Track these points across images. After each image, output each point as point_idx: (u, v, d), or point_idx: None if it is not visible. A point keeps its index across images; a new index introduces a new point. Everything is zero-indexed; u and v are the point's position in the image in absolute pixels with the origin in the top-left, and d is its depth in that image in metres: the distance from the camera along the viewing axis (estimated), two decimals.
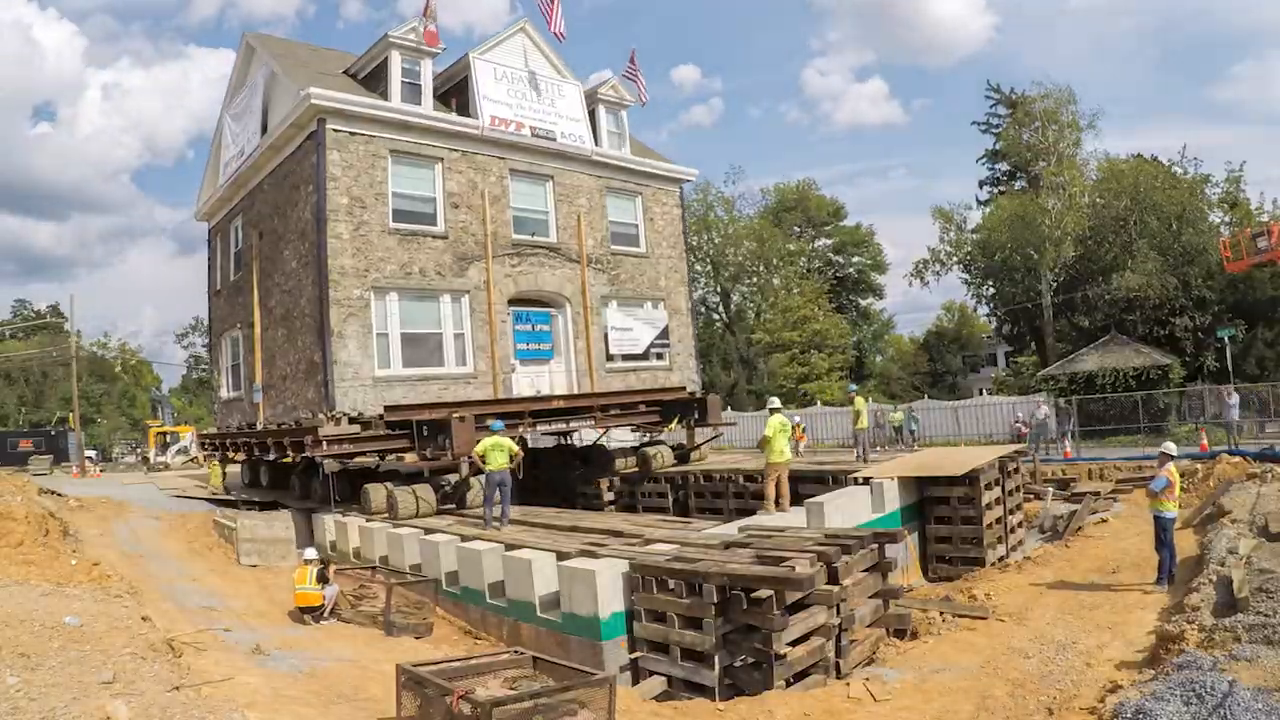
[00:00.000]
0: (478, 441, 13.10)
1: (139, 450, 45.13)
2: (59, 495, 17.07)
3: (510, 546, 10.93)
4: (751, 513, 14.02)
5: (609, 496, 19.04)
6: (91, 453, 44.70)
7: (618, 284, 19.92)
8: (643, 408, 19.17)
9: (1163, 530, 10.92)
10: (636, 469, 18.64)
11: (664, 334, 20.71)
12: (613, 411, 18.45)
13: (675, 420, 19.56)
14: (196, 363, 70.82)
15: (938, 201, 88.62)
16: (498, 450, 12.53)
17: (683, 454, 19.71)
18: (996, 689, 7.30)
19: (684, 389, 20.52)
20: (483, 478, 13.04)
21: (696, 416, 19.50)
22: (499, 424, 13.25)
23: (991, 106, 41.50)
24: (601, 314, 19.39)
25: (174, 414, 44.68)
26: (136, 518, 16.56)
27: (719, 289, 51.34)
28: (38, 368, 56.41)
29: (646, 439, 21.04)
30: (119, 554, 13.54)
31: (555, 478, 19.97)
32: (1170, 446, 11.55)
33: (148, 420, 47.26)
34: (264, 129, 17.64)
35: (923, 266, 43.13)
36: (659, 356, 20.69)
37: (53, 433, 45.36)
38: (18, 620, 7.21)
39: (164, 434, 37.73)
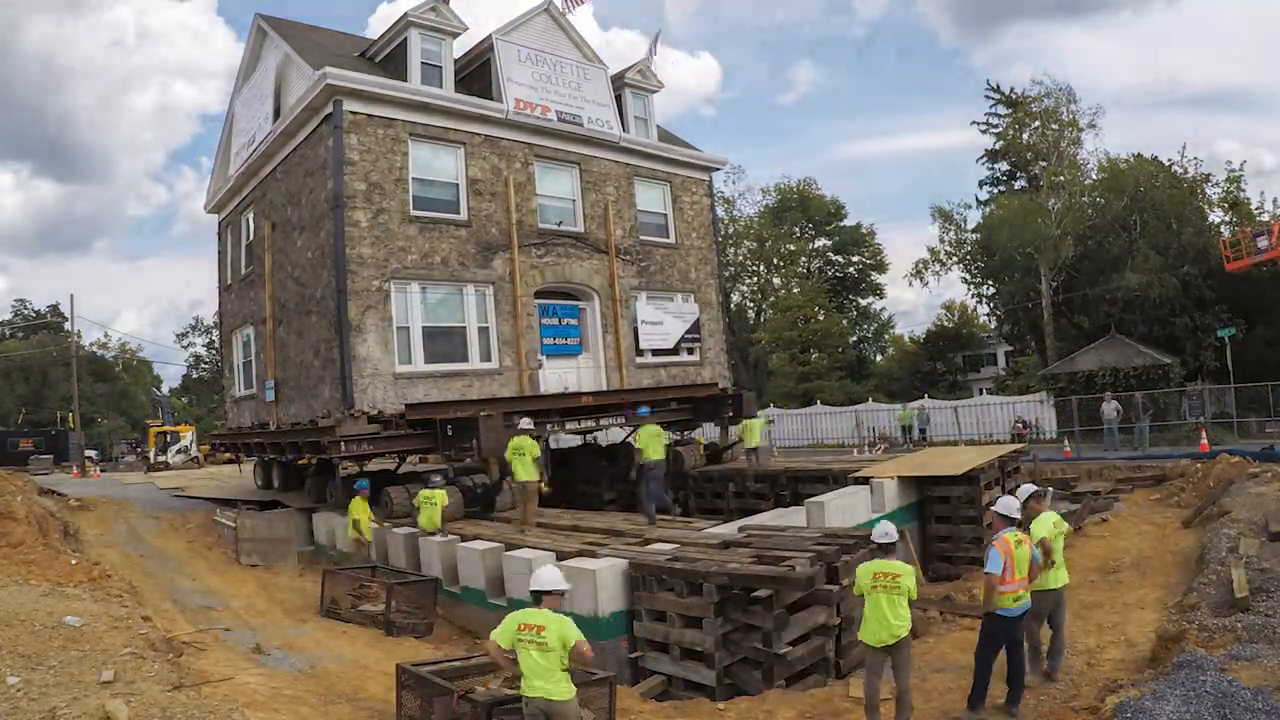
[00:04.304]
0: (505, 442, 13.47)
1: (139, 450, 45.11)
2: (59, 495, 17.06)
3: (510, 546, 10.93)
4: (751, 512, 14.04)
5: (609, 496, 19.02)
6: (92, 452, 44.73)
7: (647, 275, 19.48)
8: (674, 405, 18.75)
9: (991, 634, 6.96)
10: (667, 469, 18.31)
11: (695, 328, 20.28)
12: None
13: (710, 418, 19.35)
14: (197, 362, 70.78)
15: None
16: (655, 439, 13.71)
17: (715, 453, 19.42)
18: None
19: (716, 385, 20.16)
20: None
21: (730, 414, 19.11)
22: (645, 409, 14.45)
23: (991, 106, 41.48)
24: (631, 306, 18.88)
25: (173, 414, 44.64)
26: (136, 517, 16.55)
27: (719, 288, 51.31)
28: (38, 368, 56.38)
29: (678, 437, 20.88)
30: (119, 554, 13.54)
31: (584, 477, 19.68)
32: (1007, 502, 7.23)
33: (148, 420, 47.25)
34: (276, 114, 17.22)
35: (923, 266, 43.17)
36: (690, 351, 20.31)
37: (53, 433, 45.38)
38: (18, 620, 7.21)
39: (164, 434, 37.70)
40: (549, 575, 6.03)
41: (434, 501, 12.74)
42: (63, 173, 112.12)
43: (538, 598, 5.89)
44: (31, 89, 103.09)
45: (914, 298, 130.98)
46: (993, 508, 7.42)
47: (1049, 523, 7.66)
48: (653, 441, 13.90)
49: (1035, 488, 8.12)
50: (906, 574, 6.73)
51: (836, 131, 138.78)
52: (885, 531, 7.03)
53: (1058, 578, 7.68)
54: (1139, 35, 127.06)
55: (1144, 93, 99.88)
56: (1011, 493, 8.68)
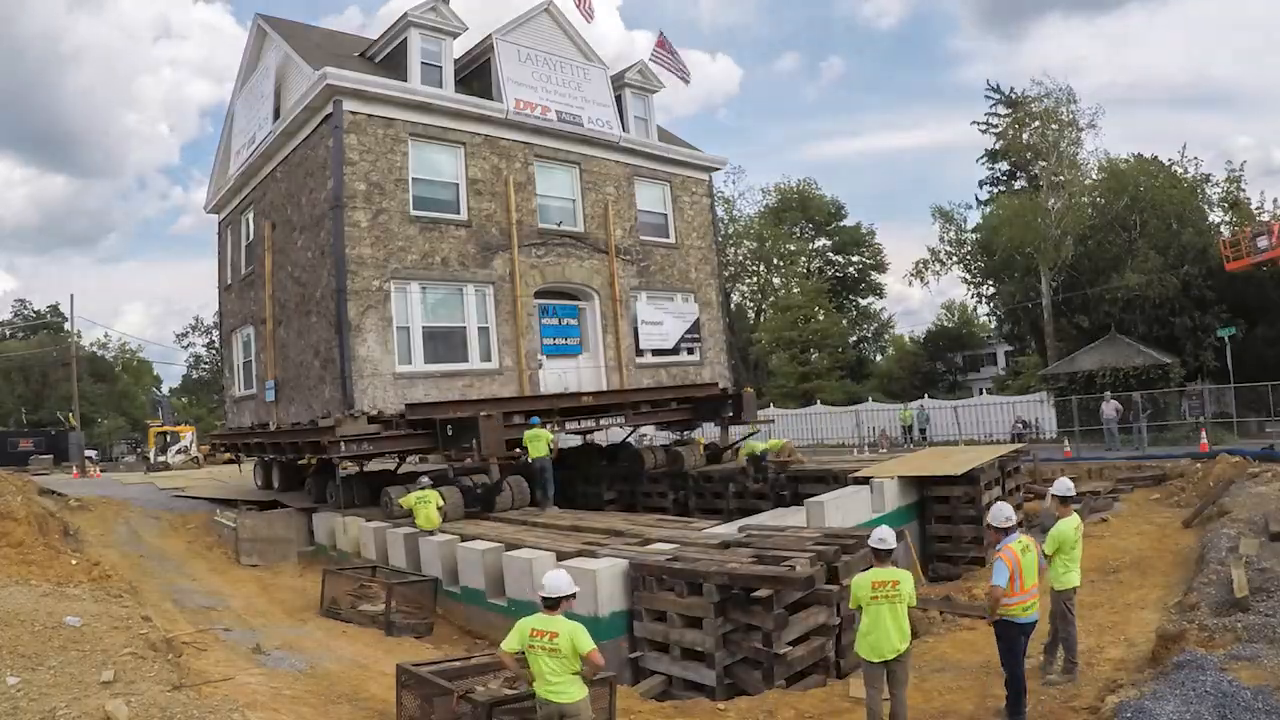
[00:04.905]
0: (505, 442, 14.12)
1: (139, 450, 45.10)
2: (59, 495, 17.07)
3: (510, 546, 10.93)
4: (751, 512, 14.06)
5: (609, 496, 19.04)
6: (92, 453, 44.73)
7: (647, 275, 19.44)
8: (674, 405, 18.78)
9: (1010, 641, 6.81)
10: (667, 468, 18.30)
11: (695, 328, 20.23)
12: (643, 409, 18.07)
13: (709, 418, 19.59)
14: (197, 362, 70.82)
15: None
16: (536, 440, 14.21)
17: (715, 453, 19.44)
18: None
19: (716, 385, 20.16)
20: (512, 480, 14.88)
21: (730, 414, 19.14)
22: (536, 419, 14.74)
23: (991, 106, 41.48)
24: (631, 306, 18.86)
25: (174, 414, 44.65)
26: (136, 517, 16.56)
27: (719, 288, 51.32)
28: (38, 368, 56.38)
29: (678, 436, 20.87)
30: (119, 554, 13.55)
31: (584, 477, 19.76)
32: (1001, 511, 7.01)
33: (148, 420, 47.24)
34: (276, 114, 17.22)
35: (923, 266, 43.18)
36: (690, 351, 20.26)
37: (53, 433, 45.38)
38: (18, 620, 7.22)
39: (164, 434, 37.71)
40: (560, 581, 5.95)
41: (427, 500, 12.76)
42: (68, 169, 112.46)
43: (550, 604, 5.86)
44: (38, 81, 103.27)
45: (916, 294, 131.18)
46: (987, 520, 7.18)
47: (1071, 526, 7.65)
48: (532, 442, 14.54)
49: (1070, 484, 7.99)
50: (906, 579, 6.46)
51: (837, 128, 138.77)
52: (882, 537, 6.69)
53: (1075, 577, 7.68)
54: (1158, 28, 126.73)
55: (1161, 88, 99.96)
56: (1010, 493, 8.64)
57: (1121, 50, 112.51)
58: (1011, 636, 6.82)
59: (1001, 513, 6.99)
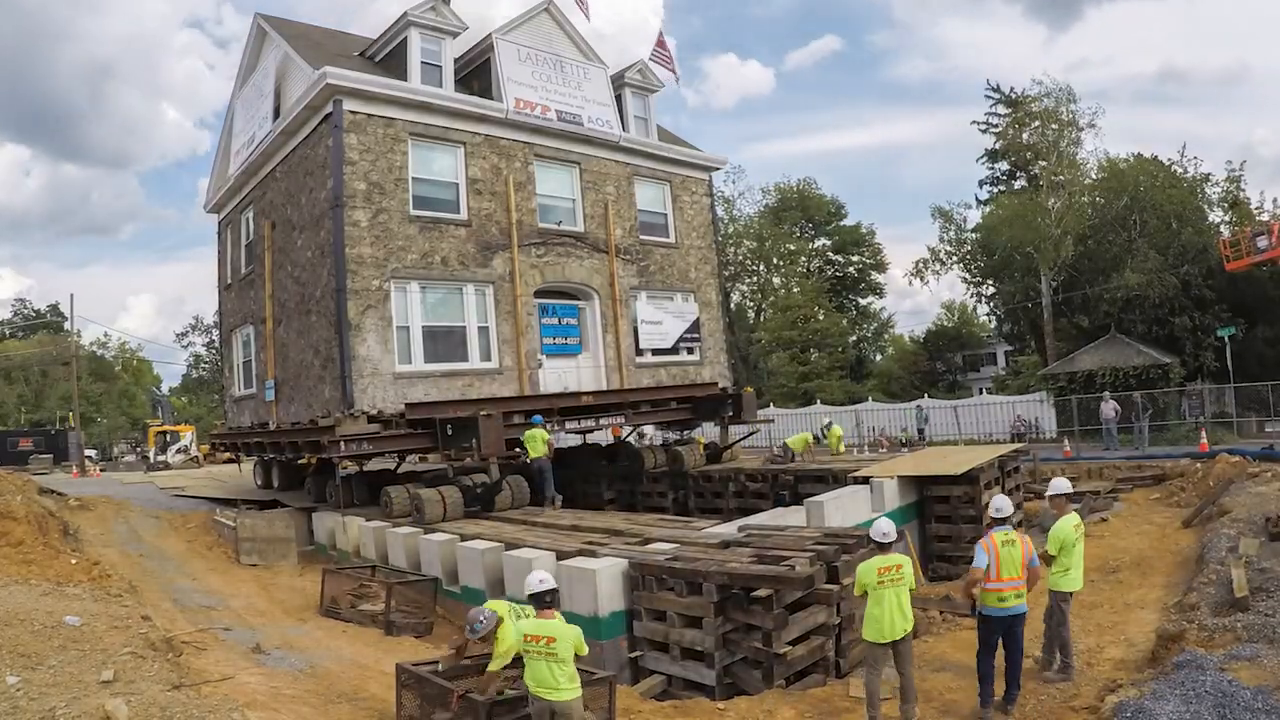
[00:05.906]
0: (505, 441, 14.07)
1: (139, 449, 45.12)
2: (59, 494, 17.05)
3: (510, 546, 10.92)
4: (751, 512, 14.05)
5: (609, 495, 19.04)
6: (91, 452, 44.75)
7: (646, 275, 19.46)
8: (674, 405, 18.80)
9: (981, 636, 7.11)
10: (667, 468, 18.33)
11: (694, 327, 20.25)
12: (643, 409, 18.07)
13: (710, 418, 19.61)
14: (197, 362, 70.81)
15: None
16: (534, 440, 14.24)
17: (714, 453, 19.48)
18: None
19: (716, 385, 20.17)
20: (512, 479, 14.95)
21: (730, 414, 19.20)
22: (538, 418, 14.73)
23: (991, 106, 41.46)
24: (630, 306, 18.89)
25: (174, 413, 44.65)
26: (136, 517, 16.53)
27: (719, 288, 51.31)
28: (38, 367, 56.39)
29: (678, 436, 20.87)
30: (119, 553, 13.53)
31: (584, 477, 19.71)
32: (996, 502, 7.39)
33: (148, 420, 47.26)
34: (276, 114, 17.22)
35: (923, 266, 43.16)
36: (689, 351, 20.26)
37: (53, 432, 45.39)
38: (18, 620, 7.21)
39: (164, 433, 37.73)
40: (543, 575, 6.07)
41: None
42: (79, 159, 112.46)
43: (542, 602, 5.86)
44: (43, 74, 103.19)
45: (922, 293, 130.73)
46: (991, 507, 7.53)
47: (1071, 525, 7.68)
48: (530, 443, 14.54)
49: (1067, 483, 8.19)
50: (907, 563, 6.88)
51: (863, 120, 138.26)
52: (884, 531, 7.06)
53: (1075, 580, 7.74)
54: (1195, 19, 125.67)
55: (1181, 80, 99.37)
56: (1010, 492, 8.78)
57: (1149, 40, 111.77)
58: (984, 630, 7.08)
59: (994, 504, 7.42)
